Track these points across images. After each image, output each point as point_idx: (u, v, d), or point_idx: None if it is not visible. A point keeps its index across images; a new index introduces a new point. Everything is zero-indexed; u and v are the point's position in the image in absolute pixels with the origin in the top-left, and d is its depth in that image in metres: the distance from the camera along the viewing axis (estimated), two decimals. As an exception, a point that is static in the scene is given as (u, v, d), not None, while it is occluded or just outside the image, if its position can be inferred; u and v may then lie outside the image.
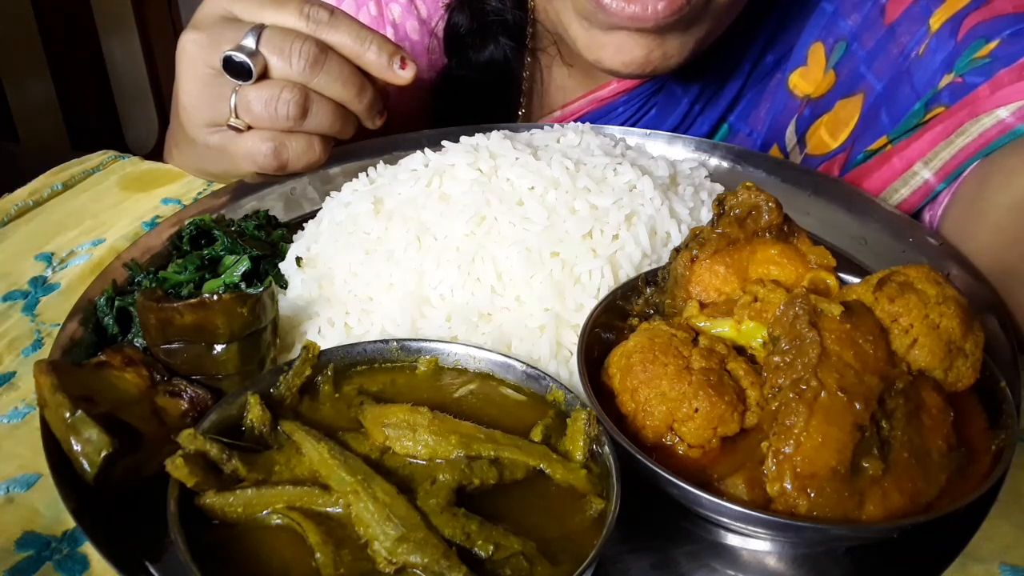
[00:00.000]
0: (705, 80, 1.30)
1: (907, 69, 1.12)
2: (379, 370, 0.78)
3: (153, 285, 0.94)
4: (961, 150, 1.04)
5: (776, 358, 0.69)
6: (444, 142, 1.04)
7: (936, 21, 1.10)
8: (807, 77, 1.26)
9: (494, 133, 1.05)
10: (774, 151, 1.32)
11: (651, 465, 0.65)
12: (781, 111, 1.29)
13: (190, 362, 0.77)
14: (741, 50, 1.28)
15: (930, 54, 1.09)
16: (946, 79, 1.07)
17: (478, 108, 1.34)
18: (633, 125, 1.35)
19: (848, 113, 1.20)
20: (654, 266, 0.89)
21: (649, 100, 1.34)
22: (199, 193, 1.20)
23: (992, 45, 1.03)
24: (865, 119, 1.17)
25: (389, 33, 1.39)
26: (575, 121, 1.35)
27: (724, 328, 0.76)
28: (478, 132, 1.08)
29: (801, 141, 1.27)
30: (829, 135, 1.22)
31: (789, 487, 0.62)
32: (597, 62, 1.14)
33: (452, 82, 1.38)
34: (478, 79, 1.35)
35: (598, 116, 1.36)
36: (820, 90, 1.24)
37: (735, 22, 1.20)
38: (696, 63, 1.24)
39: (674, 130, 1.33)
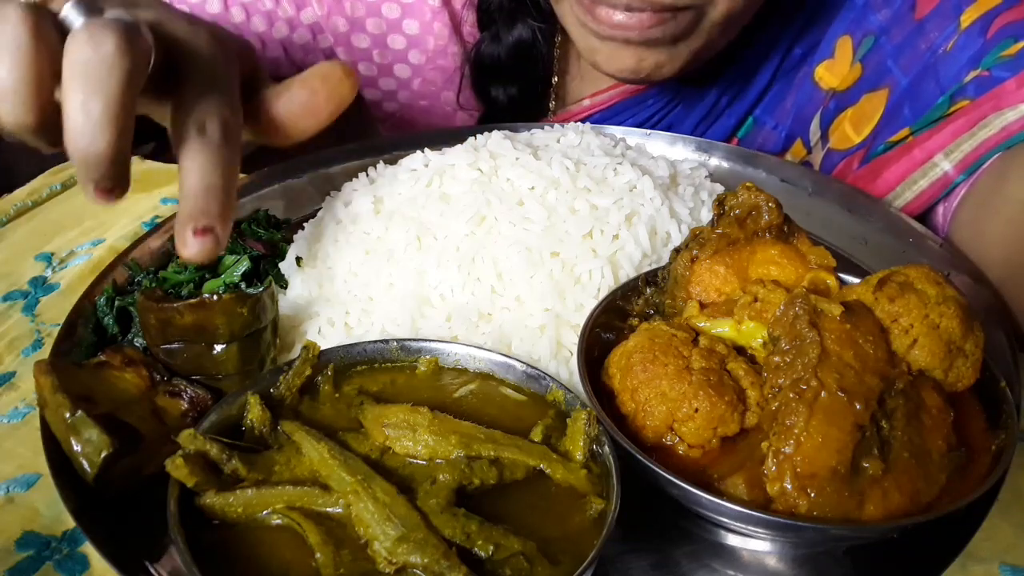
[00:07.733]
0: (734, 73, 1.30)
1: (933, 64, 1.12)
2: (379, 370, 0.78)
3: (153, 285, 0.94)
4: (983, 143, 1.03)
5: (776, 358, 0.69)
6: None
7: (967, 19, 1.09)
8: (833, 70, 1.25)
9: (494, 133, 1.05)
10: (797, 145, 1.31)
11: (651, 465, 0.65)
12: (806, 104, 1.28)
13: (190, 362, 0.77)
14: (770, 43, 1.28)
15: (958, 51, 1.09)
16: (972, 74, 1.07)
17: (511, 82, 1.35)
18: (662, 116, 1.35)
19: (872, 107, 1.19)
20: (654, 266, 0.89)
21: (679, 92, 1.34)
22: (199, 193, 1.19)
23: (1021, 44, 1.02)
24: (889, 114, 1.17)
25: (427, 6, 1.37)
26: (608, 108, 1.37)
27: (724, 328, 0.76)
28: (478, 132, 1.08)
29: (825, 135, 1.26)
30: (853, 129, 1.22)
31: (789, 487, 0.62)
32: (595, 66, 1.16)
33: (485, 59, 1.37)
34: (509, 58, 1.35)
35: (629, 105, 1.36)
36: (845, 83, 1.23)
37: (763, 16, 1.20)
38: (725, 57, 1.25)
39: (701, 121, 1.33)
